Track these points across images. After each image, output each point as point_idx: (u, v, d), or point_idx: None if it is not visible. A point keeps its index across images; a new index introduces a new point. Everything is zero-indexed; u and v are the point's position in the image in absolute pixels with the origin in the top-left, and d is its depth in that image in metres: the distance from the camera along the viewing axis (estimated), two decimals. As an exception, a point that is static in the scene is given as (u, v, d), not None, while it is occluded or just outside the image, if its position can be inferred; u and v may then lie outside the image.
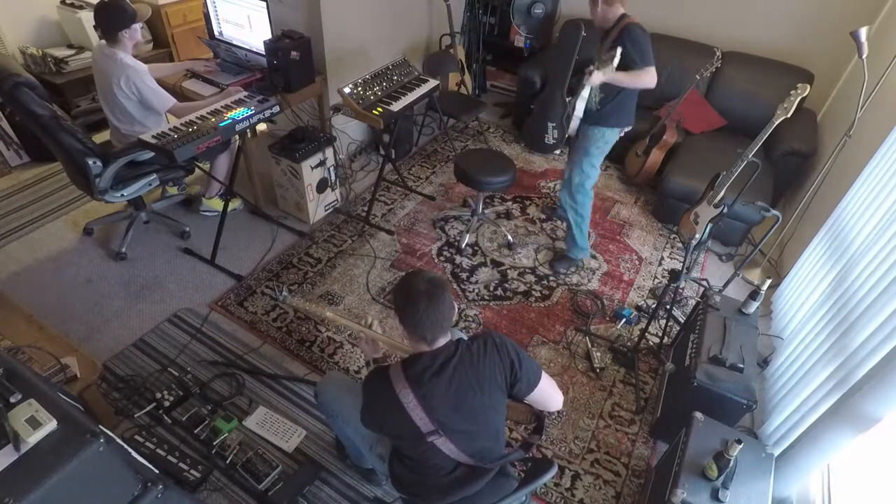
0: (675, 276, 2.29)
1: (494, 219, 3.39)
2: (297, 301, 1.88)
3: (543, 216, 3.44)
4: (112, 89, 2.55)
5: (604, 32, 2.60)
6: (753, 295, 2.17)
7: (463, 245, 3.12)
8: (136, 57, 2.59)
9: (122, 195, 2.61)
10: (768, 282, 2.14)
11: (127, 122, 2.68)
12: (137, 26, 2.54)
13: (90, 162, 2.40)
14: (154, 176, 2.67)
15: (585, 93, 2.58)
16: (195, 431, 2.08)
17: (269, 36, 2.92)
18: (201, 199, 3.17)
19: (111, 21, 2.46)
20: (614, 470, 2.14)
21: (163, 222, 3.07)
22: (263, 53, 2.90)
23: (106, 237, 3.00)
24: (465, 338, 1.45)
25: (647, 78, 2.46)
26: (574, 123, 2.69)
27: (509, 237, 3.19)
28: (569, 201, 2.87)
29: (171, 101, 2.62)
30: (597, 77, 2.41)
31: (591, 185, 2.85)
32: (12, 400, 1.08)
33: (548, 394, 1.51)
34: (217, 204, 3.11)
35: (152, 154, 2.49)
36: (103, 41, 2.54)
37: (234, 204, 3.20)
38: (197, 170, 3.05)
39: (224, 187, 3.03)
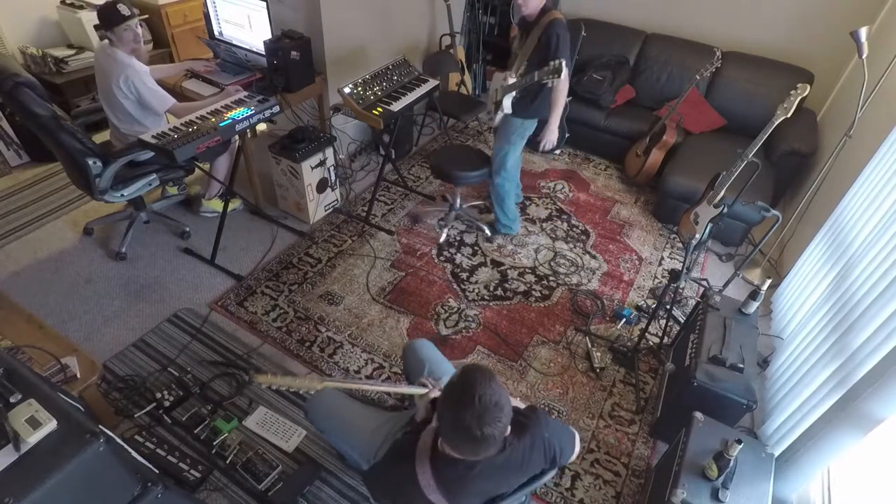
0: (675, 276, 2.29)
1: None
2: (279, 380, 1.42)
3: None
4: (112, 89, 2.55)
5: (525, 25, 2.63)
6: (753, 295, 2.17)
7: (441, 241, 3.13)
8: (136, 58, 2.59)
9: (123, 195, 2.61)
10: (768, 282, 2.14)
11: (127, 122, 2.68)
12: (133, 23, 2.52)
13: (90, 162, 2.40)
14: (154, 176, 2.68)
15: (507, 102, 2.71)
16: (195, 431, 2.08)
17: (269, 36, 2.92)
18: (201, 201, 3.17)
19: (101, 21, 2.48)
20: (614, 470, 2.14)
21: (163, 222, 3.07)
22: (263, 53, 2.90)
23: (106, 237, 3.00)
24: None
25: (565, 87, 2.58)
26: (498, 117, 2.84)
27: (487, 231, 3.21)
28: (491, 181, 3.03)
29: (170, 101, 2.62)
30: (553, 135, 2.73)
31: (514, 168, 3.02)
32: (12, 400, 1.08)
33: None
34: (217, 205, 3.11)
35: (152, 154, 2.49)
36: (105, 41, 2.54)
37: (234, 204, 3.20)
38: (197, 169, 3.05)
39: (224, 187, 3.03)
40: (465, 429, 1.11)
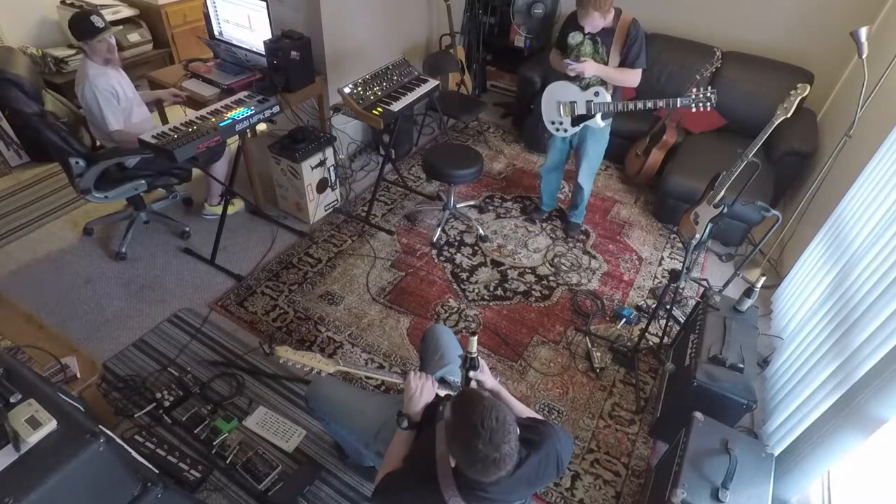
0: (675, 276, 2.29)
1: (495, 218, 3.39)
2: (297, 356, 1.53)
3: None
4: (79, 98, 2.55)
5: (596, 32, 2.59)
6: (748, 292, 2.17)
7: (433, 240, 3.13)
8: (133, 59, 2.57)
9: (107, 197, 2.60)
10: (763, 279, 2.13)
11: (96, 131, 2.67)
12: (107, 35, 2.46)
13: (73, 161, 2.42)
14: (142, 181, 2.66)
15: (599, 117, 2.72)
16: (195, 431, 2.09)
17: (269, 36, 2.92)
18: (204, 205, 3.15)
19: (74, 31, 2.46)
20: (614, 470, 2.14)
21: (163, 222, 3.07)
22: (263, 53, 2.90)
23: (106, 237, 3.00)
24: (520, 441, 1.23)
25: (635, 77, 2.62)
26: (575, 129, 2.84)
27: (480, 230, 3.22)
28: (583, 187, 3.15)
29: (111, 127, 2.54)
30: (590, 66, 2.55)
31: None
32: (12, 400, 1.08)
33: None
34: (217, 209, 3.07)
35: (139, 159, 2.52)
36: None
37: (236, 207, 3.18)
38: (196, 172, 3.03)
39: (224, 187, 3.02)
40: (483, 457, 1.12)
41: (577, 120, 2.77)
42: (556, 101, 2.78)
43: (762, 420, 2.26)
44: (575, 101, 2.73)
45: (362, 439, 1.69)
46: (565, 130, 2.85)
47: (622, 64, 2.59)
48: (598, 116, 2.71)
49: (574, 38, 2.64)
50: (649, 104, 2.59)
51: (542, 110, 2.87)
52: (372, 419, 1.68)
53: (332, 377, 1.79)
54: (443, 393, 1.56)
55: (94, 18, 2.41)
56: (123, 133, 2.57)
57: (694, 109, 2.52)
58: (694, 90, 2.51)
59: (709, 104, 2.47)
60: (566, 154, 3.09)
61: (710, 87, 2.47)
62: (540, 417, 1.48)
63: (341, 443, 1.97)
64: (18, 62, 2.49)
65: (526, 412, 1.52)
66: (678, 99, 2.53)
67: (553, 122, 2.87)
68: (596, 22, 2.48)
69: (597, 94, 2.66)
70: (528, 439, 1.29)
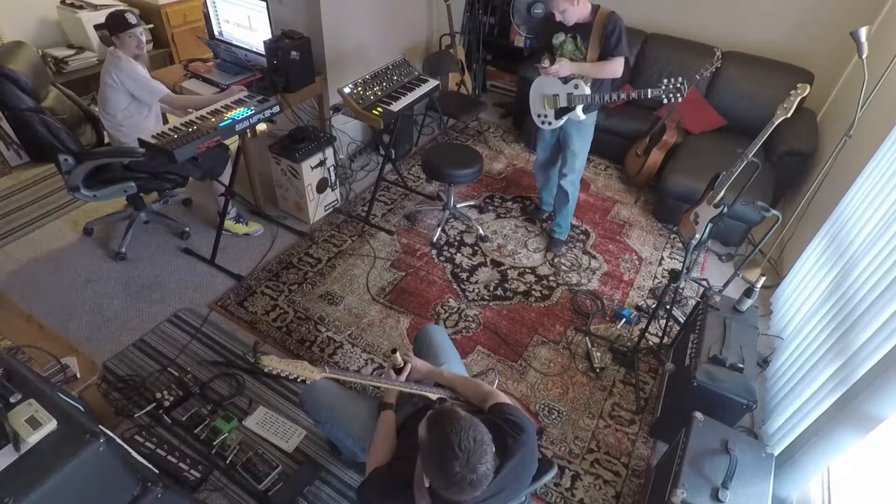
0: (675, 276, 2.29)
1: (495, 218, 3.39)
2: (282, 364, 1.51)
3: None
4: (104, 79, 2.58)
5: (573, 29, 2.58)
6: (748, 292, 2.17)
7: (433, 240, 3.13)
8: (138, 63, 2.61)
9: (95, 196, 2.61)
10: (763, 279, 2.13)
11: (111, 119, 2.67)
12: (138, 31, 2.53)
13: (62, 158, 2.44)
14: (132, 183, 2.66)
15: (580, 110, 2.68)
16: (195, 431, 2.09)
17: (269, 36, 2.92)
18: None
19: (110, 26, 2.54)
20: (614, 470, 2.14)
21: (163, 222, 3.07)
22: (263, 53, 2.90)
23: (106, 237, 3.00)
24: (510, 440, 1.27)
25: (616, 66, 2.58)
26: (559, 122, 2.83)
27: (480, 230, 3.23)
28: (562, 186, 3.05)
29: (161, 91, 2.62)
30: (565, 66, 2.54)
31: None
32: (12, 400, 1.08)
33: None
34: (230, 226, 3.04)
35: (130, 160, 2.54)
36: (112, 47, 2.59)
37: (252, 228, 3.12)
38: (193, 179, 3.00)
39: (226, 189, 3.02)
40: (460, 479, 1.11)
41: (559, 112, 2.79)
42: (541, 94, 2.81)
43: (762, 420, 2.26)
44: (557, 94, 2.75)
45: (359, 443, 1.69)
46: (550, 123, 2.87)
47: (602, 56, 2.57)
48: (579, 109, 2.71)
49: (557, 38, 2.65)
50: (622, 95, 2.58)
51: (530, 104, 2.90)
52: (368, 422, 1.67)
53: (325, 381, 1.79)
54: (434, 397, 1.57)
55: (129, 15, 2.53)
56: (174, 97, 2.69)
57: (665, 100, 2.49)
58: (665, 80, 2.48)
59: (679, 95, 2.45)
60: (555, 148, 3.10)
61: (678, 77, 2.44)
62: (502, 398, 1.47)
63: (336, 443, 1.97)
64: (21, 57, 2.51)
65: (478, 391, 1.55)
66: (649, 90, 2.51)
67: (539, 116, 2.89)
68: (565, 9, 2.46)
69: (576, 86, 2.67)
70: (500, 445, 1.25)
